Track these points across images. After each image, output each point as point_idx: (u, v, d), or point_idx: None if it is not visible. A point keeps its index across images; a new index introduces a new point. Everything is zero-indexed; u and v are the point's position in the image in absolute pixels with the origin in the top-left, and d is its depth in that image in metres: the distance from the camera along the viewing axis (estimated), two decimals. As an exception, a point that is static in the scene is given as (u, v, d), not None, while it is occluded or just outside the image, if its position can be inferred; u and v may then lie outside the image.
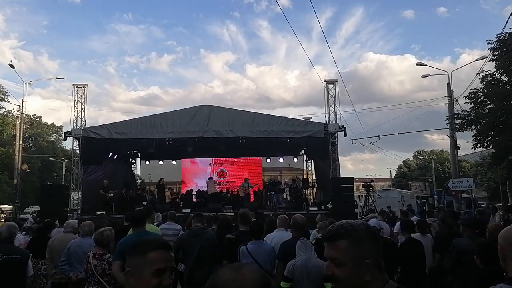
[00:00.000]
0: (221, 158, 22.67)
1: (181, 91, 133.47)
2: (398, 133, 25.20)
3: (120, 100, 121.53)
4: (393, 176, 65.05)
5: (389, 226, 8.31)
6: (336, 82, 17.42)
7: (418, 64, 21.76)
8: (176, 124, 16.43)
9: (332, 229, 1.51)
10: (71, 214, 15.60)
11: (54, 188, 17.70)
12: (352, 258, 1.42)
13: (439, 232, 6.59)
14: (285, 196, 19.60)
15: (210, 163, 23.04)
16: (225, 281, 1.11)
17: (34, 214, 20.32)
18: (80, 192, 16.77)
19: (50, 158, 41.72)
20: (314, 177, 22.16)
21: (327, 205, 17.32)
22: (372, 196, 19.03)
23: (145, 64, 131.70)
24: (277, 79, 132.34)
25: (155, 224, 7.63)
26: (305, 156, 22.82)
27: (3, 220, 19.29)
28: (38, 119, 46.69)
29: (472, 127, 16.97)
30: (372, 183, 19.15)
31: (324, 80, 17.59)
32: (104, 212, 13.61)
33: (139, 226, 4.57)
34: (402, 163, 66.90)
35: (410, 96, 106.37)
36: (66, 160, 38.13)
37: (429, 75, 22.65)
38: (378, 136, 22.59)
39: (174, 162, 22.79)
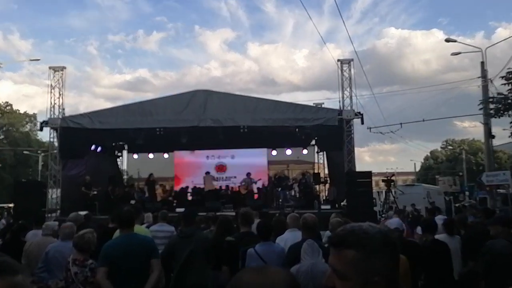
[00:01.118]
0: (219, 150, 22.71)
1: (173, 74, 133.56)
2: (423, 120, 24.97)
3: (103, 85, 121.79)
4: (417, 169, 64.98)
5: (409, 227, 8.34)
6: (351, 62, 17.34)
7: (447, 40, 21.61)
8: (167, 112, 16.45)
9: (340, 234, 1.42)
10: (49, 215, 15.72)
11: (29, 185, 17.80)
12: (359, 273, 1.33)
13: (466, 233, 6.62)
14: (293, 193, 19.66)
15: (207, 156, 23.10)
16: (251, 286, 1.10)
17: (6, 214, 20.47)
18: (59, 190, 16.88)
19: (25, 152, 41.95)
20: (326, 171, 22.18)
21: (342, 203, 17.36)
22: (393, 193, 19.06)
23: (131, 43, 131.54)
24: (283, 59, 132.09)
25: (144, 225, 7.72)
26: (316, 147, 22.83)
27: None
28: (9, 107, 46.88)
29: (510, 112, 16.89)
30: (393, 178, 19.17)
31: (338, 60, 17.51)
32: (87, 212, 13.63)
33: (126, 228, 4.62)
34: (428, 154, 66.77)
35: (437, 77, 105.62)
36: (42, 154, 38.34)
37: (460, 53, 22.46)
38: (400, 123, 22.46)
39: (166, 155, 22.87)
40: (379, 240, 1.36)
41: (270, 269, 1.17)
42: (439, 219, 8.29)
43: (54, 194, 17.07)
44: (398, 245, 1.45)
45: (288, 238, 5.21)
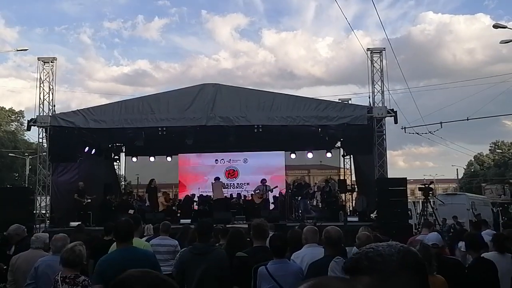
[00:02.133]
0: (230, 153, 22.80)
1: (177, 66, 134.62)
2: (467, 119, 24.70)
3: (98, 78, 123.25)
4: (460, 176, 64.27)
5: (450, 244, 8.26)
6: (383, 52, 17.27)
7: (495, 26, 21.33)
8: (171, 109, 16.56)
9: (353, 259, 1.42)
10: (37, 225, 15.92)
11: (15, 192, 18.11)
12: None
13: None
14: (315, 203, 19.62)
15: (216, 160, 23.20)
16: None
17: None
18: (48, 198, 17.10)
19: (10, 154, 42.55)
20: (353, 178, 22.09)
21: (371, 215, 17.26)
22: (432, 203, 18.85)
23: (129, 31, 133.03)
24: (304, 49, 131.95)
25: (144, 238, 7.79)
26: (341, 150, 22.75)
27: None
28: (-7, 104, 47.57)
29: None
30: (431, 186, 18.95)
31: (368, 49, 17.43)
32: (79, 223, 13.84)
33: (124, 241, 4.67)
34: (473, 159, 66.01)
35: (484, 69, 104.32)
36: (30, 156, 38.86)
37: (510, 41, 22.17)
38: (440, 122, 22.28)
39: (169, 159, 23.03)
40: (395, 263, 1.35)
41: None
42: (486, 234, 8.17)
43: (43, 202, 17.28)
44: (423, 264, 1.42)
45: (306, 254, 5.18)
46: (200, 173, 23.18)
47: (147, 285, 1.49)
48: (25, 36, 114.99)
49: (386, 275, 1.34)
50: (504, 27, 21.53)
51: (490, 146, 67.42)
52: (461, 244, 8.19)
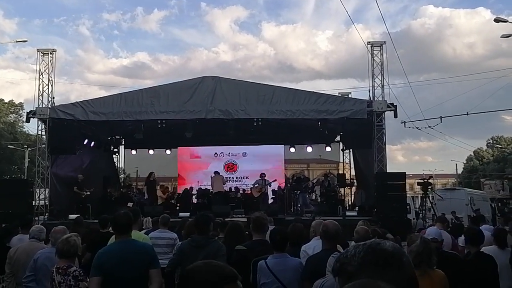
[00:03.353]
0: (229, 147, 22.81)
1: (176, 59, 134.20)
2: (467, 114, 24.74)
3: (97, 70, 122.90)
4: (459, 171, 64.33)
5: (452, 238, 8.27)
6: (383, 46, 17.24)
7: (496, 20, 21.28)
8: (170, 102, 16.55)
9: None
10: (36, 218, 15.93)
11: (14, 184, 18.14)
12: None
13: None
14: (314, 197, 19.66)
15: (216, 153, 23.21)
16: None
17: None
18: (47, 190, 17.12)
19: (9, 146, 42.53)
20: (353, 172, 22.12)
21: (370, 209, 17.30)
22: (430, 198, 18.90)
23: (128, 23, 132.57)
24: (304, 42, 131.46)
25: (143, 231, 7.81)
26: (341, 144, 22.77)
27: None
28: (-8, 95, 47.51)
29: None
30: (430, 180, 18.97)
31: (368, 43, 17.41)
32: (79, 215, 13.86)
33: (123, 234, 4.67)
34: (472, 154, 66.01)
35: (483, 64, 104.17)
36: (29, 148, 38.85)
37: (511, 35, 22.14)
38: (440, 117, 22.26)
39: (168, 152, 23.05)
40: (356, 262, 1.39)
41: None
42: (485, 229, 8.19)
43: (42, 194, 17.30)
44: (387, 260, 1.40)
45: (316, 246, 5.17)
46: (199, 166, 23.20)
47: (215, 274, 1.60)
48: (24, 27, 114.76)
49: (349, 275, 1.39)
50: (505, 21, 21.48)
51: (488, 141, 67.42)
52: (461, 239, 8.20)
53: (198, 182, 21.51)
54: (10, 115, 48.29)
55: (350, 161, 22.38)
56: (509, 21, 21.93)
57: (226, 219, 10.33)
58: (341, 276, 1.42)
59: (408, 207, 17.86)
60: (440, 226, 8.56)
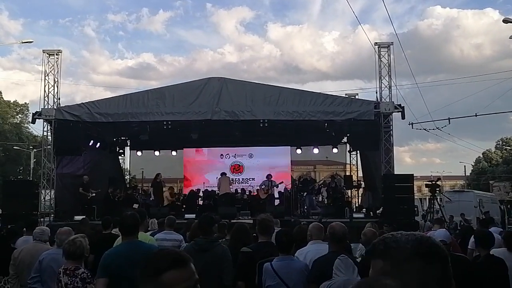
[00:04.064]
0: (235, 148, 22.81)
1: (182, 60, 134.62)
2: (475, 115, 24.62)
3: (103, 71, 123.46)
4: (468, 173, 64.04)
5: (455, 239, 8.25)
6: (391, 46, 17.21)
7: (505, 21, 21.17)
8: (176, 103, 16.58)
9: (373, 243, 1.51)
10: (41, 219, 16.01)
11: (19, 185, 18.17)
12: None
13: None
14: (321, 199, 19.61)
15: (222, 155, 23.22)
16: None
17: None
18: (53, 191, 17.18)
19: (14, 147, 42.75)
20: (360, 174, 22.07)
21: (378, 211, 17.24)
22: (439, 200, 18.81)
23: (134, 24, 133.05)
24: (310, 43, 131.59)
25: (149, 233, 7.82)
26: (348, 146, 22.70)
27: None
28: (-3, 96, 47.72)
29: None
30: (439, 182, 18.90)
31: (375, 44, 17.38)
32: (84, 216, 13.92)
33: (130, 235, 4.68)
34: (481, 156, 65.69)
35: (491, 65, 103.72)
36: (35, 150, 39.03)
37: (520, 36, 22.01)
38: (448, 118, 22.16)
39: (174, 153, 23.07)
40: (408, 250, 1.41)
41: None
42: (494, 231, 8.15)
43: (47, 195, 17.37)
44: (440, 254, 1.44)
45: (310, 250, 5.16)
46: (205, 168, 23.21)
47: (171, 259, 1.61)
48: (29, 28, 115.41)
49: (398, 261, 1.39)
50: (514, 22, 21.35)
51: (497, 143, 67.07)
52: (470, 242, 8.15)
53: (204, 183, 21.53)
54: (16, 116, 48.50)
55: (357, 163, 22.33)
56: (518, 21, 21.81)
57: (232, 221, 10.33)
58: (386, 259, 1.41)
59: (416, 209, 17.80)
60: (438, 228, 8.53)
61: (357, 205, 20.97)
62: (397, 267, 1.39)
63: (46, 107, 17.15)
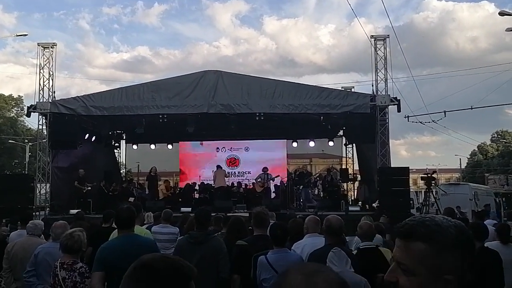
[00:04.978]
0: (231, 141, 22.81)
1: (177, 53, 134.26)
2: (471, 108, 24.67)
3: (98, 64, 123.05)
4: (463, 166, 64.20)
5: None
6: (387, 39, 17.19)
7: (501, 14, 21.17)
8: (172, 96, 16.55)
9: (408, 224, 1.45)
10: (37, 213, 15.99)
11: (14, 179, 18.16)
12: (428, 269, 1.38)
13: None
14: (316, 192, 19.64)
15: (218, 148, 23.22)
16: None
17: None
18: (48, 185, 17.16)
19: (10, 140, 42.60)
20: (356, 167, 22.12)
21: (373, 204, 17.30)
22: (434, 193, 18.88)
23: (129, 17, 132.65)
24: (305, 36, 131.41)
25: (145, 226, 7.81)
26: (344, 139, 22.74)
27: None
28: (-8, 90, 47.52)
29: None
30: (434, 175, 18.96)
31: (372, 37, 17.37)
32: (80, 210, 13.92)
33: (125, 229, 4.68)
34: (476, 149, 65.88)
35: (487, 58, 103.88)
36: (30, 143, 38.93)
37: (516, 29, 22.02)
38: (444, 111, 22.22)
39: (170, 147, 23.06)
40: (452, 235, 1.39)
41: (321, 276, 1.19)
42: (489, 224, 8.20)
43: (43, 189, 17.35)
44: (474, 244, 1.47)
45: (307, 244, 5.17)
46: (201, 161, 23.20)
47: (170, 267, 1.49)
48: (23, 21, 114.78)
49: (441, 246, 1.38)
50: (510, 14, 21.35)
51: (493, 136, 67.24)
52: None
53: (200, 177, 21.53)
54: (11, 109, 48.29)
55: (353, 156, 22.38)
56: (513, 14, 21.80)
57: (228, 214, 10.33)
58: (427, 242, 1.38)
59: (411, 202, 17.85)
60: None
61: (353, 198, 21.02)
62: (441, 252, 1.38)
63: (41, 100, 17.10)
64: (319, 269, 1.23)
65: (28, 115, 18.16)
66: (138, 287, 1.41)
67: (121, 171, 25.29)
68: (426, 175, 18.11)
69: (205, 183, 20.32)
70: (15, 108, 48.51)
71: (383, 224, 8.49)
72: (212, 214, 8.32)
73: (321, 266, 1.29)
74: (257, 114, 16.50)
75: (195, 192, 19.89)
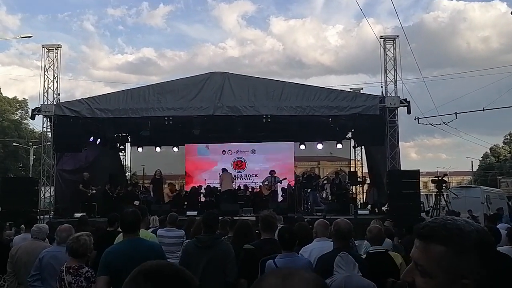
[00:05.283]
0: (238, 144, 22.80)
1: (183, 54, 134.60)
2: (483, 110, 24.51)
3: (102, 66, 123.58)
4: (475, 168, 63.91)
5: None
6: (396, 40, 17.15)
7: (513, 13, 21.10)
8: (177, 98, 16.58)
9: (429, 226, 1.47)
10: (41, 216, 16.05)
11: (19, 182, 18.22)
12: (446, 272, 1.39)
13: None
14: (325, 195, 19.60)
15: (224, 151, 23.23)
16: None
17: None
18: (52, 188, 17.22)
19: (14, 143, 42.82)
20: (365, 170, 22.04)
21: (383, 208, 17.22)
22: (445, 196, 18.79)
23: (134, 18, 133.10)
24: (313, 37, 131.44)
25: (150, 230, 7.83)
26: (352, 141, 22.69)
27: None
28: (-4, 92, 47.78)
29: None
30: (445, 178, 18.87)
31: (381, 37, 17.33)
32: (84, 214, 13.98)
33: (131, 232, 4.69)
34: (488, 151, 65.50)
35: (499, 58, 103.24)
36: (34, 146, 39.12)
37: (529, 28, 21.88)
38: (455, 113, 22.12)
39: (175, 149, 23.09)
40: (473, 240, 1.40)
41: (296, 277, 1.20)
42: (502, 227, 8.13)
43: (47, 192, 17.43)
44: (496, 250, 1.48)
45: (315, 248, 5.17)
46: (207, 164, 23.22)
47: (175, 274, 1.49)
48: (27, 23, 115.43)
49: (462, 249, 1.39)
50: (523, 14, 21.26)
51: (505, 138, 66.83)
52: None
53: (206, 180, 21.56)
54: (16, 112, 48.54)
55: (362, 159, 22.31)
56: (526, 13, 21.71)
57: (235, 218, 10.34)
58: (448, 245, 1.40)
59: (421, 205, 17.75)
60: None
61: (362, 201, 20.96)
62: (460, 256, 1.39)
63: (45, 103, 17.19)
64: (295, 272, 1.25)
65: (33, 117, 18.25)
66: None
67: (126, 174, 25.34)
68: (437, 178, 18.02)
69: (212, 186, 20.33)
70: (20, 111, 48.75)
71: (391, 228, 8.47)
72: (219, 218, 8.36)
73: (298, 269, 1.30)
74: (264, 116, 16.48)
75: (201, 195, 19.91)
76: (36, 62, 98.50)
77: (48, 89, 17.41)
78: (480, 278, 1.39)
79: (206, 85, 16.51)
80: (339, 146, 22.22)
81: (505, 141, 66.49)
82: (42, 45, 17.93)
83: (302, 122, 17.86)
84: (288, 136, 21.28)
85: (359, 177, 21.07)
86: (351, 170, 22.49)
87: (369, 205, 18.72)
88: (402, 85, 16.95)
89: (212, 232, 5.45)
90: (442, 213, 17.77)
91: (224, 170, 19.94)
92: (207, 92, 16.41)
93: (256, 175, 22.29)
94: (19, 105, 48.79)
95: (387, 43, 17.10)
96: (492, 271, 1.44)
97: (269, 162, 21.99)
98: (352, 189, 20.68)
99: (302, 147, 22.38)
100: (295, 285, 1.18)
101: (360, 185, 21.55)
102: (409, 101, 16.59)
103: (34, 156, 39.52)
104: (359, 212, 16.48)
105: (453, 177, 59.95)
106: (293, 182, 20.18)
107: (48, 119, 17.11)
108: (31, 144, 41.32)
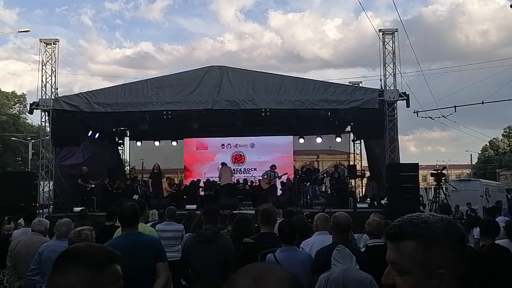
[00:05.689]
0: (237, 138, 22.79)
1: (181, 48, 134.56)
2: (482, 103, 24.55)
3: (101, 60, 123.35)
4: (474, 161, 64.02)
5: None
6: (395, 33, 17.11)
7: (513, 6, 21.04)
8: (176, 92, 16.55)
9: (396, 225, 1.51)
10: (40, 211, 16.07)
11: (17, 176, 18.23)
12: (421, 266, 1.42)
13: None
14: (324, 189, 19.65)
15: (223, 145, 23.23)
16: None
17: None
18: (51, 182, 17.23)
19: (12, 138, 42.80)
20: (364, 163, 22.06)
21: (382, 201, 17.26)
22: (444, 189, 18.84)
23: (132, 12, 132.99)
24: (311, 30, 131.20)
25: (149, 223, 7.85)
26: (351, 135, 22.68)
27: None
28: (-6, 87, 47.72)
29: None
30: (444, 171, 18.91)
31: (380, 30, 17.29)
32: (83, 208, 13.98)
33: (129, 227, 4.70)
34: (488, 144, 65.61)
35: (498, 51, 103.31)
36: (33, 140, 39.10)
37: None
38: (455, 106, 22.15)
39: (174, 143, 23.07)
40: (440, 229, 1.44)
41: (271, 276, 1.19)
42: (501, 220, 8.16)
43: (46, 186, 17.43)
44: (465, 235, 1.52)
45: (316, 241, 5.19)
46: (206, 158, 23.24)
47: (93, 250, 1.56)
48: (24, 17, 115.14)
49: (431, 241, 1.43)
50: (522, 6, 21.20)
51: (504, 131, 66.92)
52: (476, 231, 8.18)
53: (205, 174, 21.57)
54: (14, 106, 48.49)
55: (361, 152, 22.32)
56: (526, 6, 21.64)
57: (234, 212, 10.36)
58: (418, 240, 1.43)
59: (421, 198, 17.80)
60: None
61: (361, 195, 21.00)
62: (431, 247, 1.42)
63: (43, 97, 17.13)
64: (269, 270, 1.24)
65: (31, 112, 18.21)
66: (65, 278, 1.48)
67: (125, 169, 25.35)
68: (436, 171, 18.07)
69: (211, 180, 20.35)
70: (18, 105, 48.75)
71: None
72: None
73: (270, 266, 1.31)
74: (263, 110, 16.48)
75: (200, 189, 19.93)
76: (34, 57, 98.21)
77: (46, 83, 17.35)
78: (456, 265, 1.43)
79: (204, 79, 16.47)
80: (338, 139, 22.22)
81: (504, 134, 66.62)
82: (40, 40, 17.86)
83: (301, 116, 17.87)
84: (287, 129, 21.29)
85: (358, 170, 21.10)
86: (350, 163, 22.52)
87: (368, 199, 18.76)
88: (401, 78, 16.94)
89: (213, 227, 5.48)
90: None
91: (223, 164, 19.96)
92: (206, 86, 16.38)
93: (255, 169, 22.31)
94: (17, 100, 48.78)
95: (386, 37, 17.06)
96: (465, 256, 1.47)
97: (268, 156, 22.00)
98: (351, 183, 20.72)
99: (301, 140, 22.38)
100: (269, 285, 1.16)
101: (359, 179, 21.57)
102: (408, 94, 16.60)
103: (32, 151, 39.52)
104: (358, 205, 16.51)
105: (452, 170, 60.06)
106: (292, 175, 20.23)
107: (47, 114, 17.08)
108: (29, 138, 41.28)
